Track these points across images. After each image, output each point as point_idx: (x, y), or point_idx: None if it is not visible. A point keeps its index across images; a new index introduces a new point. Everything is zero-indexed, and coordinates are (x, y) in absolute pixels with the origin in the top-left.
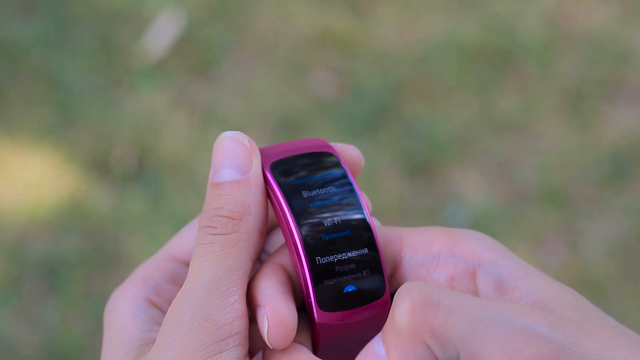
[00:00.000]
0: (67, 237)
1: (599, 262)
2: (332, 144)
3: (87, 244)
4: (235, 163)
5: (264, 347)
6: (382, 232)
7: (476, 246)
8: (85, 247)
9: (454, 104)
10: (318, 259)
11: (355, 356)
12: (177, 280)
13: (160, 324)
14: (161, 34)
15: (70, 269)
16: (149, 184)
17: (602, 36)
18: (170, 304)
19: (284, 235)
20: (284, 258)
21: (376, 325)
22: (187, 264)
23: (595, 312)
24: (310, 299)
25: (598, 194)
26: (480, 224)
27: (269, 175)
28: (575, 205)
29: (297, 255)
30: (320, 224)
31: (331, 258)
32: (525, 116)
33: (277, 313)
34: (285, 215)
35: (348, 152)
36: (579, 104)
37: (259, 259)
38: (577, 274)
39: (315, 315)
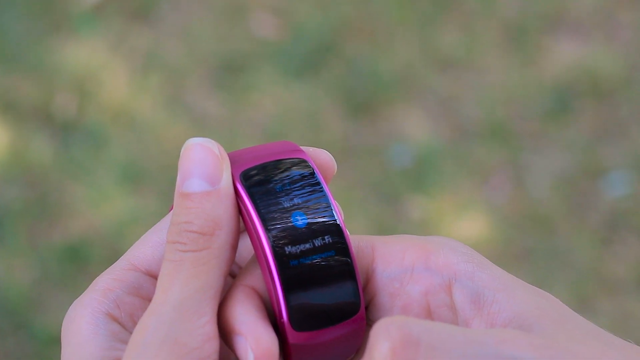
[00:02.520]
0: (9, 187)
1: (544, 197)
2: (303, 148)
3: (30, 193)
4: (204, 172)
5: None
6: (353, 241)
7: (451, 258)
8: (28, 196)
9: (395, 42)
10: (291, 276)
11: None
12: (138, 292)
13: (122, 340)
14: None
15: (13, 219)
16: (90, 131)
17: None
18: (131, 317)
19: (255, 249)
20: (254, 279)
21: (351, 341)
22: (149, 274)
23: (577, 323)
24: (283, 319)
25: (542, 128)
26: (425, 162)
27: (239, 186)
28: (520, 141)
29: (270, 272)
30: (294, 237)
31: (305, 275)
32: (468, 52)
33: (261, 342)
34: (257, 229)
35: (320, 157)
36: (521, 38)
37: (230, 273)
38: (523, 209)
39: (289, 337)
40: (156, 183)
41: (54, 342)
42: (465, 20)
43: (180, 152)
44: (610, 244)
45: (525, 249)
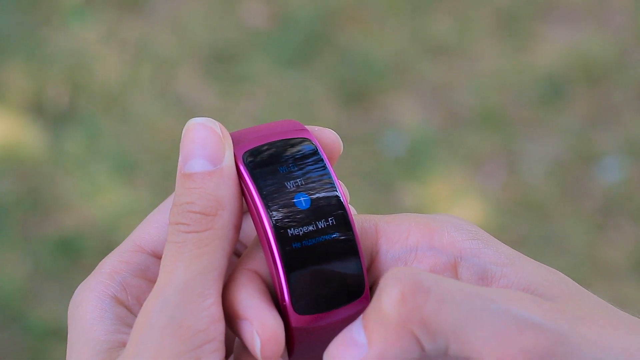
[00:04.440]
0: (2, 180)
1: (538, 183)
2: (308, 127)
3: (23, 186)
4: (206, 152)
5: (235, 355)
6: (357, 222)
7: (455, 236)
8: (20, 190)
9: (387, 30)
10: (294, 259)
11: None
12: (145, 274)
13: (128, 324)
14: None
15: (6, 212)
16: (82, 122)
17: None
18: (138, 300)
19: (257, 231)
20: (258, 262)
21: None
22: (154, 255)
23: (586, 296)
24: (285, 302)
25: (535, 114)
26: (419, 149)
27: (241, 166)
28: (513, 127)
29: (272, 255)
30: (297, 219)
31: (308, 257)
32: (460, 39)
33: (267, 327)
34: (259, 211)
35: (325, 136)
36: (513, 24)
37: (235, 252)
38: (517, 196)
39: (291, 320)
40: (149, 174)
41: (48, 335)
42: (457, 7)
43: (172, 141)
44: (605, 229)
45: (520, 235)
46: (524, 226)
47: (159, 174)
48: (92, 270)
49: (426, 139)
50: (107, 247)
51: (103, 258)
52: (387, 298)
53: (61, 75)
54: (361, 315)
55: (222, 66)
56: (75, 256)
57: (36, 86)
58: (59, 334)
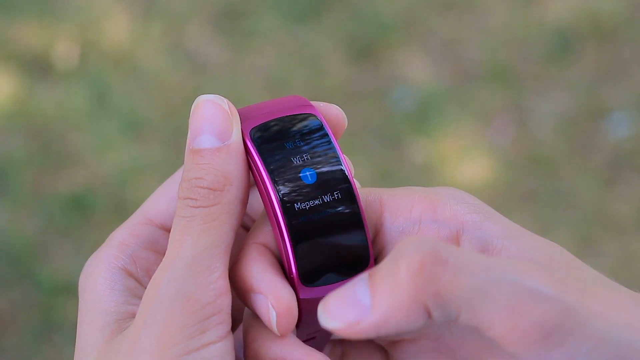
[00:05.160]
0: (13, 137)
1: (547, 138)
2: (313, 103)
3: (33, 143)
4: (214, 129)
5: (245, 326)
6: (361, 195)
7: (458, 209)
8: (31, 146)
9: None
10: (301, 232)
11: None
12: (154, 246)
13: (138, 296)
14: None
15: (17, 169)
16: (92, 79)
17: None
18: (147, 272)
19: (265, 206)
20: (266, 236)
21: None
22: (163, 228)
23: (585, 270)
24: (292, 274)
25: (544, 70)
26: (428, 105)
27: (248, 143)
28: (522, 83)
29: (279, 229)
30: (303, 193)
31: (314, 230)
32: None
33: (282, 299)
34: (266, 186)
35: (330, 112)
36: None
37: (242, 225)
38: (526, 151)
39: (299, 292)
40: (159, 131)
41: (59, 290)
42: None
43: (182, 97)
44: (614, 185)
45: (529, 190)
46: (533, 181)
47: (169, 129)
48: (102, 226)
49: (435, 94)
50: (117, 203)
51: (113, 213)
52: (406, 266)
53: (71, 31)
54: (366, 275)
55: (231, 22)
56: (86, 212)
57: (46, 42)
58: (70, 290)
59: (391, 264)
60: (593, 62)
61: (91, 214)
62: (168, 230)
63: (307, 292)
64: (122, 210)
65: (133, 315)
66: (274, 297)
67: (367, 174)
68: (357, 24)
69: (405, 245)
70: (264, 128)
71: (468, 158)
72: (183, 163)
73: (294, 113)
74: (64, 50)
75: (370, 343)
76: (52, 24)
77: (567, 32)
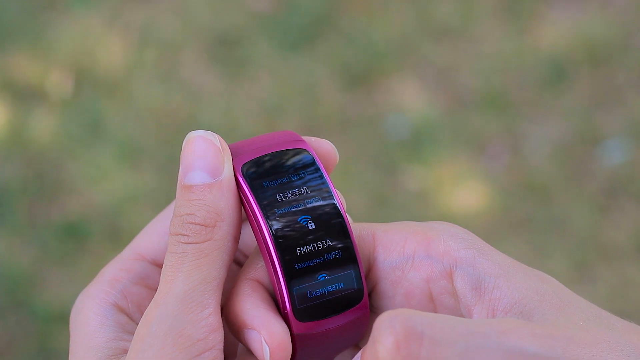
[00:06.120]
0: (7, 166)
1: (541, 165)
2: (305, 138)
3: (28, 171)
4: (206, 165)
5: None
6: (354, 230)
7: (451, 245)
8: (26, 175)
9: (391, 12)
10: (294, 266)
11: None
12: (145, 281)
13: (129, 332)
14: None
15: (12, 198)
16: (86, 107)
17: None
18: (138, 308)
19: (257, 241)
20: (258, 271)
21: (355, 329)
22: (155, 264)
23: (577, 306)
24: (286, 309)
25: (538, 96)
26: (422, 132)
27: (240, 178)
28: (517, 109)
29: (272, 264)
30: (296, 228)
31: (307, 265)
32: (463, 21)
33: (275, 336)
34: (259, 221)
35: (322, 146)
36: (516, 6)
37: (235, 260)
38: (520, 178)
39: (293, 327)
40: (154, 159)
41: (54, 319)
42: None
43: (177, 125)
44: (609, 211)
45: (524, 217)
46: (528, 208)
47: (164, 158)
48: (97, 255)
49: (430, 121)
50: (112, 232)
51: (108, 242)
52: (382, 347)
53: (65, 59)
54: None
55: (226, 50)
56: (80, 241)
57: (41, 71)
58: (65, 318)
59: (370, 346)
60: (587, 88)
61: (86, 242)
62: (159, 266)
63: (301, 327)
64: (116, 239)
65: (125, 351)
66: (267, 333)
67: (361, 201)
68: (351, 52)
69: (379, 325)
70: (255, 164)
71: (463, 185)
72: (176, 196)
73: (286, 148)
74: (58, 79)
75: None
76: (46, 52)
77: (561, 59)
